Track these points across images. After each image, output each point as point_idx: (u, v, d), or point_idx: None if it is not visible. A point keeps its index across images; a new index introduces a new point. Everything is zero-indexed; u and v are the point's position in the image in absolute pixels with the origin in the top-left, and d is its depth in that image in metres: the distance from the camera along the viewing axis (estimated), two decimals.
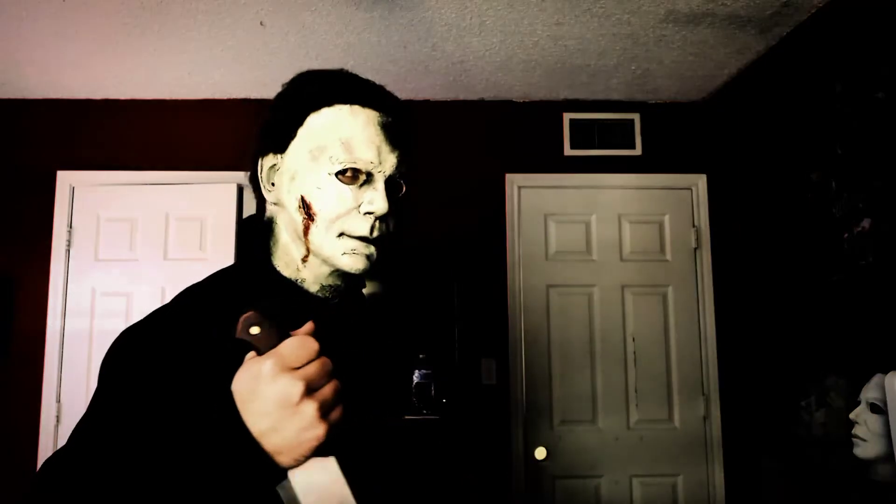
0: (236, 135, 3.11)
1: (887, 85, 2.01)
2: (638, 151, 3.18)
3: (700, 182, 3.17)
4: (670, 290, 3.12)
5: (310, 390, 0.59)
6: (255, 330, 0.60)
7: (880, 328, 1.99)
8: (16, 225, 3.04)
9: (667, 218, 3.17)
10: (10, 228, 3.04)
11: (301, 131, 0.85)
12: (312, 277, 0.87)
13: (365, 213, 0.82)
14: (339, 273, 0.85)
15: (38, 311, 2.96)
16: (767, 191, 2.71)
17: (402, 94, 3.07)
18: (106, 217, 3.05)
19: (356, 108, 0.84)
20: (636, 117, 3.18)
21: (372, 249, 0.83)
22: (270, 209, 0.89)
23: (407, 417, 0.87)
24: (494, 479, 2.90)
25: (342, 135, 0.83)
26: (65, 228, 3.02)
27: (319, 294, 0.87)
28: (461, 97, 3.15)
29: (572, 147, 3.17)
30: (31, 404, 2.90)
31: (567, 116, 3.18)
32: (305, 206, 0.84)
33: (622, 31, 2.50)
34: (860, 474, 1.73)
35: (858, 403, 1.71)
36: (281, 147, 0.87)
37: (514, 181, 3.14)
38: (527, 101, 3.20)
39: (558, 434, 2.99)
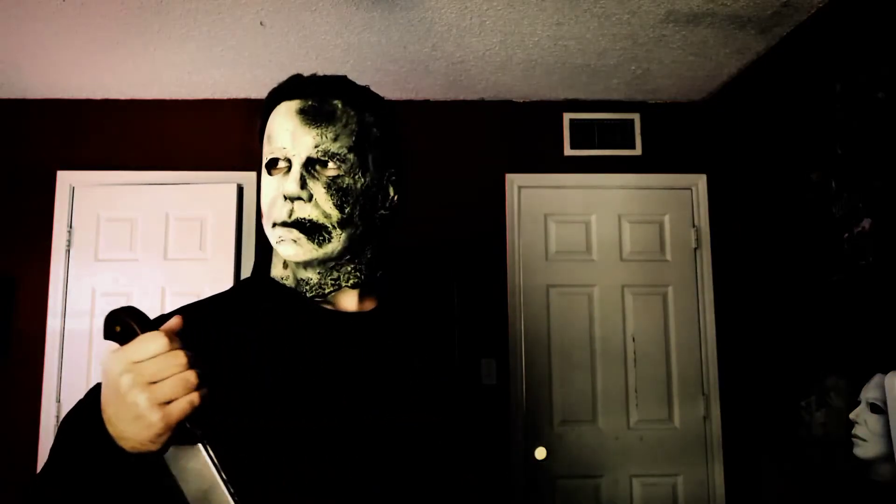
0: (236, 135, 3.11)
1: (887, 85, 2.01)
2: (638, 151, 3.18)
3: (700, 182, 3.17)
4: (670, 290, 3.12)
5: (150, 383, 0.60)
6: (117, 328, 0.63)
7: (880, 328, 1.99)
8: (16, 225, 3.04)
9: (667, 218, 3.17)
10: (10, 228, 3.04)
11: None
12: (291, 274, 0.89)
13: (284, 199, 0.83)
14: (304, 265, 0.86)
15: (38, 311, 2.96)
16: (767, 191, 2.71)
17: (402, 94, 3.07)
18: (106, 217, 3.05)
19: (282, 104, 0.87)
20: (636, 117, 3.18)
21: (296, 234, 0.82)
22: None
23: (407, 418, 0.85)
24: (494, 479, 2.90)
25: (268, 132, 0.87)
26: (65, 228, 3.02)
27: (297, 289, 0.88)
28: (461, 97, 3.15)
29: (572, 147, 3.17)
30: (31, 404, 2.90)
31: (567, 116, 3.18)
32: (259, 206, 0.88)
33: (622, 31, 2.50)
34: (860, 474, 1.73)
35: (858, 403, 1.71)
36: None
37: (514, 181, 3.14)
38: (527, 101, 3.20)
39: (558, 434, 2.99)
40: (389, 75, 2.88)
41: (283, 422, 0.77)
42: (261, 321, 0.85)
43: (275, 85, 0.91)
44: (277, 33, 2.52)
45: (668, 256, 3.15)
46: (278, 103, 0.87)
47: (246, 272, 3.03)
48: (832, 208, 2.27)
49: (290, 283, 0.89)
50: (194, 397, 0.61)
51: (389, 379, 0.87)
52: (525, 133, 3.19)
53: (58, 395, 2.91)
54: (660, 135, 3.19)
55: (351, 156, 0.85)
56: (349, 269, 0.90)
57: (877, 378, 1.68)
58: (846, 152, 2.20)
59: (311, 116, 0.84)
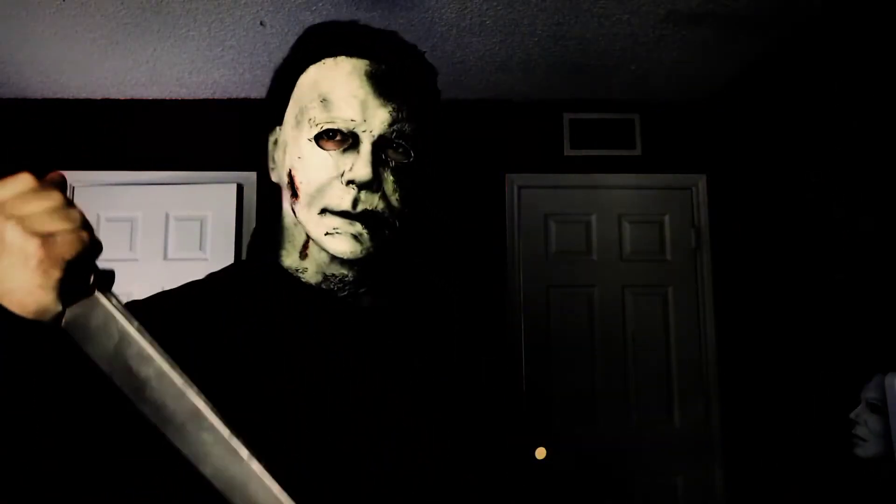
0: (236, 135, 3.11)
1: (887, 85, 2.01)
2: (638, 151, 3.18)
3: (700, 182, 3.17)
4: (670, 290, 3.12)
5: (22, 217, 0.50)
6: None
7: (880, 328, 1.99)
8: None
9: (667, 218, 3.17)
10: None
11: (293, 95, 0.74)
12: (314, 267, 0.75)
13: (347, 183, 0.69)
14: (343, 260, 0.72)
15: None
16: (767, 191, 2.70)
17: None
18: (106, 217, 3.05)
19: (341, 59, 0.72)
20: (636, 117, 3.18)
21: (359, 228, 0.69)
22: (282, 193, 0.79)
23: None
24: (494, 479, 2.89)
25: (321, 91, 0.71)
26: None
27: (324, 286, 0.75)
28: (461, 97, 3.15)
29: (572, 147, 3.16)
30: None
31: (567, 116, 3.18)
32: (291, 181, 0.73)
33: (622, 31, 2.50)
34: (860, 474, 1.73)
35: (858, 403, 1.71)
36: (279, 117, 0.76)
37: (514, 181, 3.14)
38: (527, 100, 3.20)
39: (558, 434, 2.99)
40: None
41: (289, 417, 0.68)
42: (275, 318, 0.72)
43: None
44: (277, 33, 2.52)
45: (668, 256, 3.15)
46: (333, 55, 0.72)
47: None
48: (832, 208, 2.26)
49: (309, 276, 0.75)
50: (83, 234, 0.51)
51: (394, 377, 0.76)
52: (525, 133, 3.19)
53: None
54: (660, 135, 3.19)
55: (422, 140, 0.72)
56: (387, 265, 0.79)
57: (877, 378, 1.68)
58: (846, 152, 2.20)
59: (386, 86, 0.70)
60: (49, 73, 2.86)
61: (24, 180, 0.52)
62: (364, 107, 0.69)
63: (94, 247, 0.52)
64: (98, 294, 0.51)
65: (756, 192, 2.81)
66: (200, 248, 3.01)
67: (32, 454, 0.53)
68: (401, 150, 0.71)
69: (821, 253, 2.32)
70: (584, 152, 3.16)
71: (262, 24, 2.44)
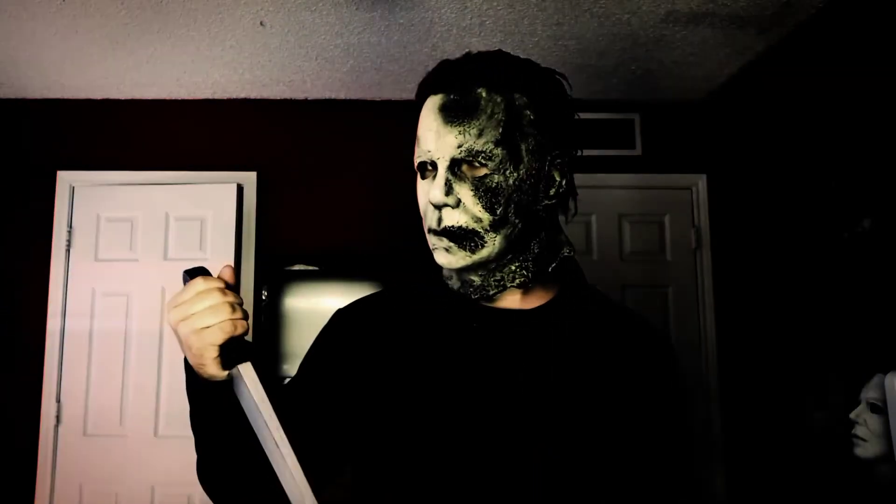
0: (236, 135, 3.11)
1: (887, 85, 2.01)
2: (638, 151, 3.17)
3: (700, 182, 3.17)
4: (670, 290, 3.12)
5: (190, 315, 0.69)
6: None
7: (880, 328, 1.99)
8: (16, 225, 3.04)
9: (667, 218, 3.17)
10: (10, 228, 3.04)
11: None
12: (455, 276, 0.86)
13: (432, 205, 0.80)
14: (463, 269, 0.82)
15: (38, 311, 2.96)
16: (767, 191, 2.70)
17: (402, 94, 3.07)
18: (106, 217, 3.05)
19: (429, 98, 0.82)
20: (636, 117, 3.18)
21: (446, 242, 0.79)
22: None
23: None
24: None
25: (418, 131, 0.82)
26: (65, 228, 3.02)
27: (461, 291, 0.85)
28: None
29: None
30: (31, 404, 2.90)
31: None
32: None
33: (622, 31, 2.50)
34: (860, 474, 1.73)
35: (858, 403, 1.71)
36: None
37: None
38: None
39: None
40: (389, 75, 2.88)
41: (438, 425, 0.79)
42: (416, 320, 0.86)
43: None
44: (277, 33, 2.51)
45: (668, 256, 3.15)
46: (426, 97, 0.83)
47: (246, 272, 3.03)
48: (832, 208, 2.26)
49: (454, 283, 0.86)
50: (225, 324, 0.68)
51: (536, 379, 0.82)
52: None
53: (58, 395, 2.91)
54: (660, 135, 3.19)
55: (499, 150, 0.78)
56: (513, 268, 0.84)
57: (877, 378, 1.68)
58: (846, 153, 2.20)
59: (453, 113, 0.78)
60: (49, 73, 2.86)
61: (198, 285, 0.70)
62: (437, 136, 0.79)
63: (241, 328, 0.70)
64: (245, 365, 0.71)
65: (756, 192, 2.80)
66: (200, 248, 3.01)
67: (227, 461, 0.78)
68: (477, 164, 0.78)
69: (821, 253, 2.32)
70: (584, 152, 3.16)
71: (262, 24, 2.44)
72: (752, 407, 2.83)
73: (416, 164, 0.83)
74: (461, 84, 0.79)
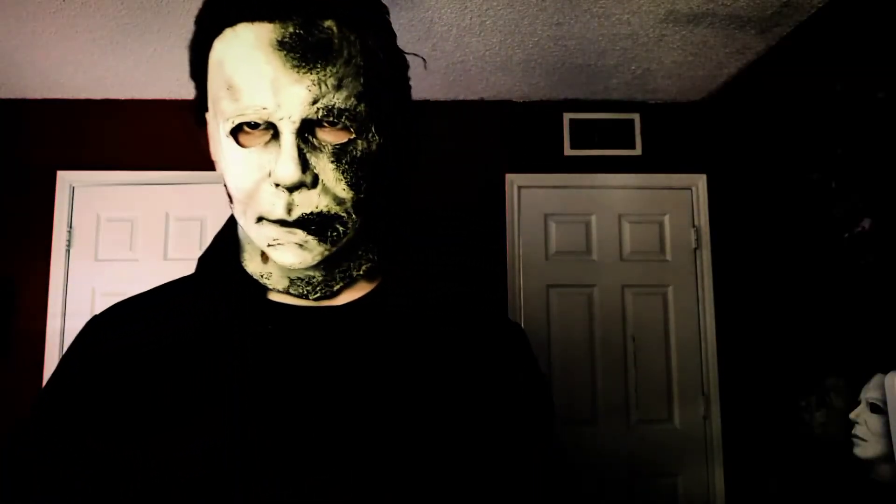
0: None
1: (887, 85, 2.01)
2: (638, 151, 3.17)
3: (700, 182, 3.17)
4: (670, 290, 3.12)
5: None
6: None
7: (880, 328, 1.99)
8: (16, 225, 3.04)
9: (667, 218, 3.17)
10: (10, 228, 3.04)
11: (207, 81, 0.62)
12: (279, 271, 0.65)
13: (276, 187, 0.57)
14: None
15: (38, 311, 2.96)
16: (767, 191, 2.71)
17: None
18: (106, 217, 3.05)
19: (241, 27, 0.56)
20: (636, 117, 3.18)
21: (301, 235, 0.58)
22: None
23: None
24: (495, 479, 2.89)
25: (226, 76, 0.57)
26: (65, 228, 3.02)
27: (292, 291, 0.64)
28: (461, 97, 3.15)
29: (572, 147, 3.16)
30: (31, 404, 2.90)
31: (567, 116, 3.18)
32: (225, 183, 0.63)
33: (622, 31, 2.50)
34: (860, 474, 1.73)
35: (858, 403, 1.71)
36: (204, 105, 0.65)
37: (514, 181, 3.14)
38: (527, 101, 3.20)
39: (557, 434, 2.99)
40: None
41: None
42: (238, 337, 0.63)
43: None
44: None
45: (668, 256, 3.15)
46: (232, 24, 0.57)
47: None
48: (832, 208, 2.26)
49: (274, 282, 0.65)
50: None
51: (371, 385, 0.62)
52: (525, 133, 3.19)
53: None
54: (660, 135, 3.19)
55: (362, 107, 0.58)
56: (359, 252, 0.67)
57: (877, 378, 1.68)
58: (846, 152, 2.20)
59: (300, 53, 0.55)
60: (49, 73, 2.86)
61: None
62: (275, 86, 0.55)
63: None
64: None
65: (756, 192, 2.81)
66: (200, 249, 2.98)
67: None
68: (338, 127, 0.58)
69: (821, 253, 2.32)
70: (584, 152, 3.16)
71: None
72: (751, 407, 2.83)
73: (226, 126, 0.58)
74: (303, 12, 0.55)
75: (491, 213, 3.11)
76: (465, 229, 3.07)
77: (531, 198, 3.15)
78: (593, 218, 3.15)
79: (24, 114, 3.11)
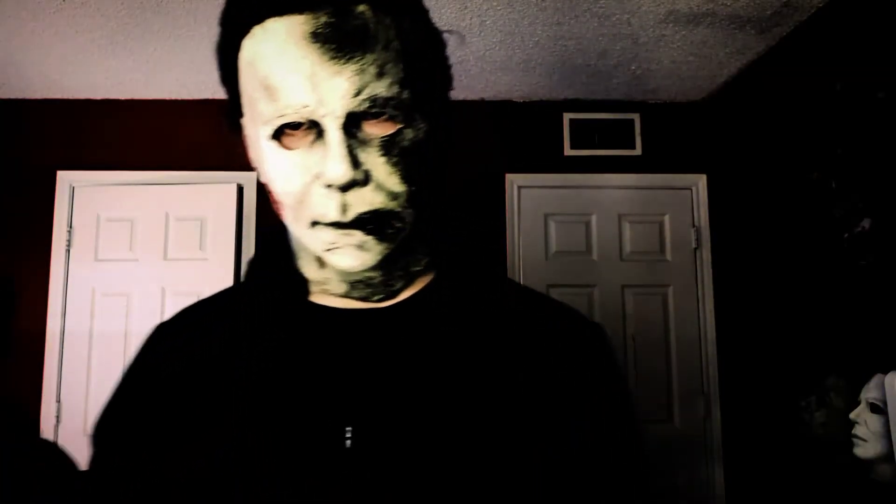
0: (236, 135, 3.11)
1: (887, 85, 2.01)
2: (638, 151, 3.18)
3: (700, 182, 3.17)
4: (670, 290, 3.12)
5: None
6: None
7: (880, 328, 1.99)
8: (16, 225, 3.04)
9: (667, 218, 3.17)
10: (10, 228, 3.04)
11: (240, 83, 0.59)
12: (337, 276, 0.61)
13: (327, 188, 0.54)
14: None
15: (38, 311, 2.96)
16: (767, 191, 2.71)
17: None
18: (106, 217, 3.05)
19: (269, 23, 0.53)
20: (636, 117, 3.18)
21: (359, 237, 0.55)
22: None
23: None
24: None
25: (260, 76, 0.54)
26: (65, 228, 3.02)
27: (353, 295, 0.61)
28: (461, 97, 3.15)
29: (572, 147, 3.16)
30: (31, 404, 2.90)
31: (567, 116, 3.18)
32: (270, 189, 0.60)
33: (622, 31, 2.50)
34: (860, 474, 1.73)
35: (858, 403, 1.71)
36: (238, 108, 0.62)
37: (514, 181, 3.14)
38: (527, 101, 3.20)
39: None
40: None
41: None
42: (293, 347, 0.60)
43: None
44: None
45: (668, 256, 3.15)
46: (261, 21, 0.53)
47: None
48: (832, 208, 2.26)
49: (334, 287, 0.62)
50: None
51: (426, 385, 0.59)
52: (525, 133, 3.19)
53: (58, 395, 2.91)
54: (660, 135, 3.19)
55: (406, 94, 0.55)
56: (415, 248, 0.64)
57: (877, 378, 1.68)
58: (846, 152, 2.20)
59: (336, 43, 0.52)
60: (49, 73, 2.86)
61: None
62: (314, 81, 0.52)
63: None
64: None
65: (756, 192, 2.81)
66: (200, 248, 3.00)
67: None
68: (384, 117, 0.55)
69: (821, 253, 2.32)
70: (584, 152, 3.16)
71: None
72: (751, 407, 2.83)
73: (268, 130, 0.55)
74: (334, 0, 0.52)
75: (491, 212, 3.12)
76: (465, 229, 3.07)
77: (531, 198, 3.15)
78: (593, 218, 3.15)
79: (24, 114, 3.11)
